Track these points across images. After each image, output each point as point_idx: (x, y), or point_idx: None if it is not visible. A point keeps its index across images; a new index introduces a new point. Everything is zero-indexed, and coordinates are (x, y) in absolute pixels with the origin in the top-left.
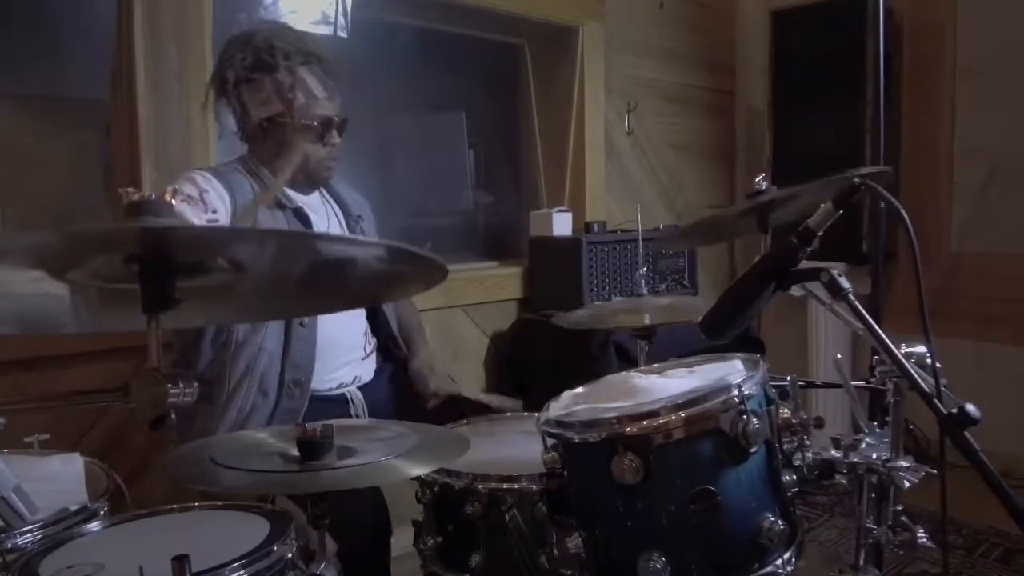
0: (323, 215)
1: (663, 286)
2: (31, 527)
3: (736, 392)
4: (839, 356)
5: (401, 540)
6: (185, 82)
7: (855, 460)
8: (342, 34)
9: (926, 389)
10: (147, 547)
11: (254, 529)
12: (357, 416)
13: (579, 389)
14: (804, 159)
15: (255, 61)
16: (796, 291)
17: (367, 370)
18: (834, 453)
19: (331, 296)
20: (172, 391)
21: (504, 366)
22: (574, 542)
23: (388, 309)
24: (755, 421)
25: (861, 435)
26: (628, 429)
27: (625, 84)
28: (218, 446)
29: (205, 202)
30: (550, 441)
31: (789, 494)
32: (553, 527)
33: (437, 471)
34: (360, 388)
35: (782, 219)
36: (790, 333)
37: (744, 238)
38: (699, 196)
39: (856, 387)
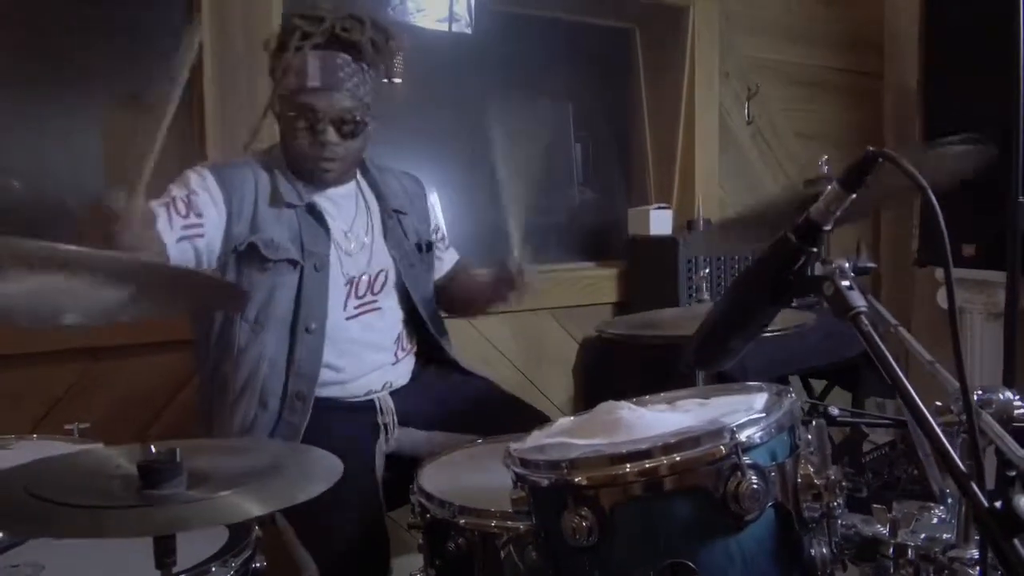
0: (349, 211)
1: None
2: None
3: (727, 439)
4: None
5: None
6: (252, 70)
7: (906, 541)
8: (466, 31)
9: (960, 466)
10: (97, 552)
11: (214, 540)
12: (385, 425)
13: (572, 417)
14: None
15: (280, 41)
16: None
17: (400, 374)
18: (879, 528)
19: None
20: None
21: (592, 376)
22: None
23: (426, 312)
24: (753, 479)
25: (927, 504)
26: (579, 478)
27: (745, 67)
28: (47, 470)
29: (191, 204)
30: (517, 480)
31: (823, 573)
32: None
33: (426, 498)
34: (392, 394)
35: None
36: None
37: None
38: None
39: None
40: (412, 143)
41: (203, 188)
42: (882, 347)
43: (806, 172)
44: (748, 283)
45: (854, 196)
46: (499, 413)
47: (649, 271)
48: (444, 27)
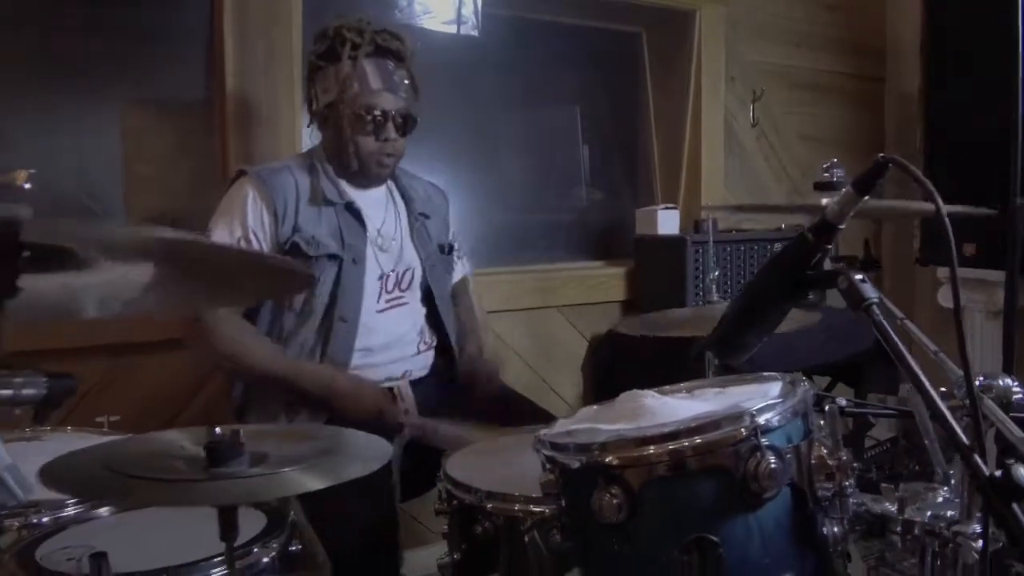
0: (380, 211)
1: None
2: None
3: (747, 422)
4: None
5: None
6: (272, 77)
7: (912, 518)
8: (473, 33)
9: (963, 438)
10: (144, 535)
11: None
12: (406, 412)
13: (595, 406)
14: (962, 152)
15: (327, 50)
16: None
17: (420, 365)
18: (888, 506)
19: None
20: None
21: (602, 373)
22: None
23: (444, 310)
24: (772, 460)
25: (932, 485)
26: (610, 459)
27: (750, 71)
28: (117, 450)
29: (248, 240)
30: (547, 463)
31: (835, 550)
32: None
33: (453, 484)
34: (412, 383)
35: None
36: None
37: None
38: None
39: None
40: (420, 144)
41: (254, 207)
42: (893, 335)
43: (809, 174)
44: (766, 279)
45: (866, 198)
46: (510, 411)
47: (656, 269)
48: (452, 29)
